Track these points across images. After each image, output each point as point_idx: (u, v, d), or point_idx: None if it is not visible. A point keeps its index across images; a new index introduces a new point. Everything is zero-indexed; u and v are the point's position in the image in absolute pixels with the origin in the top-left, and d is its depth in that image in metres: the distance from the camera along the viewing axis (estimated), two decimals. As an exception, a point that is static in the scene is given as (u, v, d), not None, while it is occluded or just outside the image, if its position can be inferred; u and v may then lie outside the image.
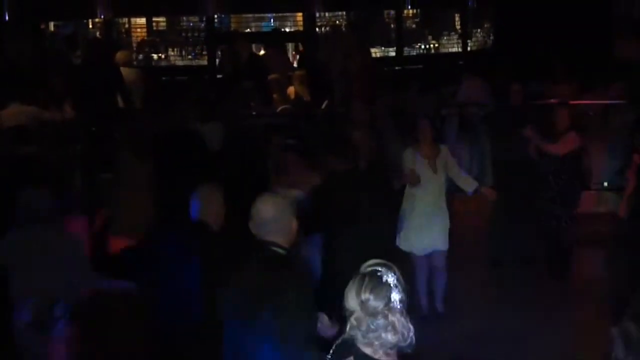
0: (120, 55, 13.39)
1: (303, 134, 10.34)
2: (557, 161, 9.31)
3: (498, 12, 18.89)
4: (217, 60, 16.24)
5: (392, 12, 18.08)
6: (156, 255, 5.70)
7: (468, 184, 8.69)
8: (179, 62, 17.15)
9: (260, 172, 8.88)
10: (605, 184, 11.50)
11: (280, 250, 4.73)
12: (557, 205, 9.39)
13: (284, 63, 14.91)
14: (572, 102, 11.65)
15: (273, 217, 4.74)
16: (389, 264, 3.59)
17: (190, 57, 17.20)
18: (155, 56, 17.02)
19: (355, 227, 7.50)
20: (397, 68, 17.38)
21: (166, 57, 17.22)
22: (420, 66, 17.59)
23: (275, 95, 12.71)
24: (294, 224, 4.82)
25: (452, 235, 8.74)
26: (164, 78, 16.31)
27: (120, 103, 12.05)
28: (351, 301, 3.53)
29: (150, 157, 9.18)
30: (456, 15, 18.82)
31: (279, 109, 12.24)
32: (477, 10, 18.90)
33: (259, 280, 4.63)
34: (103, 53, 12.92)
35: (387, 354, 3.53)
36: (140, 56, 16.77)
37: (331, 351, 3.70)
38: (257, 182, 8.25)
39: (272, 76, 13.03)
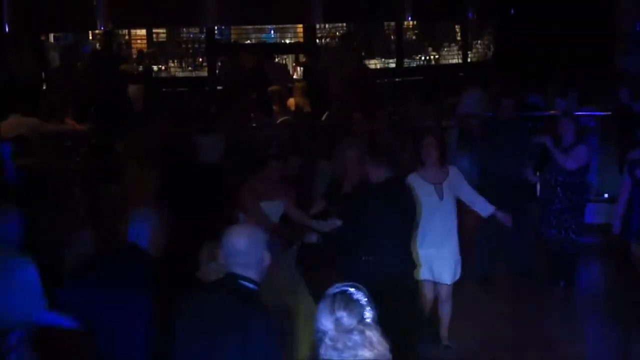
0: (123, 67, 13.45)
1: (301, 145, 10.30)
2: (564, 172, 9.30)
3: (498, 23, 18.96)
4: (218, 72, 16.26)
5: (393, 23, 18.11)
6: (91, 283, 5.36)
7: (483, 208, 7.96)
8: (179, 74, 17.18)
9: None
10: (606, 195, 11.49)
11: (251, 285, 4.38)
12: (567, 216, 9.38)
13: (284, 75, 14.92)
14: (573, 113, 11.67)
15: (245, 249, 4.37)
16: (357, 284, 3.57)
17: (190, 68, 17.23)
18: (155, 67, 17.04)
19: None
20: (397, 79, 17.41)
21: (166, 68, 17.25)
22: (421, 77, 17.62)
23: (275, 107, 12.71)
24: (267, 258, 4.44)
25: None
26: (164, 89, 16.34)
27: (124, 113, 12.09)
28: (325, 321, 3.48)
29: (157, 168, 9.16)
30: (456, 26, 18.86)
31: (279, 120, 12.24)
32: (477, 22, 18.93)
33: (224, 316, 4.27)
34: (108, 64, 12.96)
35: None
36: (141, 67, 16.78)
37: None
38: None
39: (272, 88, 13.04)
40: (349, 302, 3.49)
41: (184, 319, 4.43)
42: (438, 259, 7.75)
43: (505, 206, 8.13)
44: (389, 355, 3.46)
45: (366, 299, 3.53)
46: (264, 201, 7.49)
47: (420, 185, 7.67)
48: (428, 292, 7.91)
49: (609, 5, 17.65)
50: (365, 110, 11.51)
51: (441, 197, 7.68)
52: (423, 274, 7.75)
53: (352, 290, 3.54)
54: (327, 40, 17.15)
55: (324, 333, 3.49)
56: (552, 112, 12.37)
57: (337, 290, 3.55)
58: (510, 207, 8.34)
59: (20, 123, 11.23)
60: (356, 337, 3.44)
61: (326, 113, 12.69)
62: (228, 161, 10.02)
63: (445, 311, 7.98)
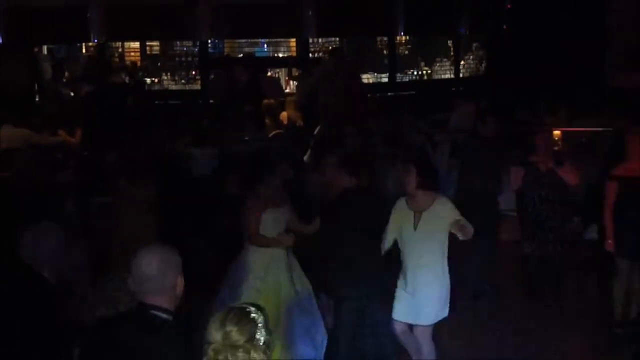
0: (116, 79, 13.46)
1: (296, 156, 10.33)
2: (548, 187, 9.31)
3: (490, 39, 19.03)
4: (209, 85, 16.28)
5: (385, 38, 18.17)
6: None
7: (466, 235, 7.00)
8: (172, 87, 17.20)
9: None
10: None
11: (164, 315, 3.99)
12: (552, 231, 9.40)
13: (277, 88, 14.95)
14: (563, 129, 11.69)
15: (156, 274, 3.98)
16: (261, 307, 3.56)
17: (183, 81, 17.26)
18: (148, 80, 17.06)
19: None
20: (389, 94, 17.46)
21: (159, 81, 17.27)
22: (413, 92, 17.68)
23: (267, 121, 12.74)
24: (180, 283, 4.08)
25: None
26: (157, 102, 16.36)
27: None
28: (214, 332, 3.47)
29: (148, 183, 9.15)
30: (448, 42, 18.93)
31: (272, 134, 12.26)
32: (469, 37, 19.01)
33: (133, 352, 3.89)
34: (101, 77, 12.99)
35: None
36: (134, 80, 16.77)
37: None
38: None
39: (265, 101, 13.07)
40: (242, 319, 3.47)
41: (89, 356, 4.09)
42: (411, 298, 7.04)
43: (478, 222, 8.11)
44: None
45: (263, 322, 3.49)
46: (271, 208, 7.54)
47: (401, 210, 7.09)
48: (400, 331, 7.21)
49: (601, 21, 17.74)
50: (357, 124, 11.55)
51: (415, 227, 6.95)
52: (395, 312, 7.13)
53: (252, 309, 3.52)
54: (320, 54, 17.17)
55: (210, 343, 3.46)
56: (542, 128, 12.41)
57: (237, 305, 3.58)
58: (483, 223, 8.31)
59: (13, 134, 11.24)
60: (240, 354, 3.41)
61: (318, 127, 12.71)
62: (231, 171, 10.01)
63: (426, 353, 7.12)
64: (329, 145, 9.40)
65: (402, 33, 18.05)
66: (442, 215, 6.95)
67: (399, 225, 7.06)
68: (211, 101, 15.28)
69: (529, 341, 8.50)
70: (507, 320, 9.05)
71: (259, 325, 3.48)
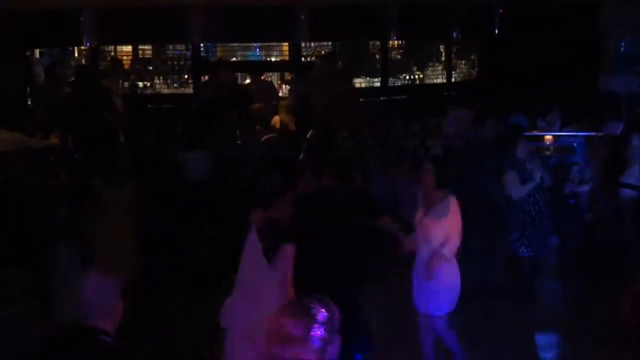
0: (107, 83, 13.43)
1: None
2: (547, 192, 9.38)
3: (482, 44, 19.07)
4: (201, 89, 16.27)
5: (378, 43, 18.19)
6: None
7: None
8: (165, 90, 17.18)
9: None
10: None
11: (106, 338, 3.94)
12: (527, 233, 9.43)
13: (271, 93, 14.95)
14: (556, 134, 11.77)
15: (97, 297, 3.92)
16: (329, 302, 3.49)
17: (175, 85, 17.25)
18: (140, 84, 17.04)
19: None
20: (382, 98, 17.48)
21: (152, 85, 17.26)
22: (405, 97, 17.70)
23: (258, 126, 12.73)
24: (120, 305, 4.02)
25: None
26: (149, 106, 16.34)
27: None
28: (269, 321, 3.51)
29: (130, 185, 9.13)
30: (441, 46, 18.96)
31: (264, 138, 12.26)
32: (461, 42, 19.04)
33: None
34: (94, 80, 12.95)
35: None
36: (126, 84, 16.78)
37: None
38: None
39: (254, 106, 13.07)
40: (299, 313, 3.44)
41: None
42: (421, 288, 7.45)
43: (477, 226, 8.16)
44: None
45: (325, 319, 3.42)
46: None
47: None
48: (421, 324, 7.61)
49: (593, 26, 17.79)
50: (349, 127, 11.59)
51: (420, 223, 7.44)
52: (415, 302, 7.58)
53: (315, 303, 3.46)
54: (313, 58, 17.19)
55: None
56: (535, 132, 12.47)
57: (303, 298, 3.53)
58: (484, 227, 8.36)
59: (6, 138, 11.22)
60: (290, 348, 3.35)
61: (311, 131, 12.73)
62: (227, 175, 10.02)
63: (448, 344, 7.58)
64: (323, 149, 9.41)
65: (394, 37, 18.08)
66: (444, 214, 7.34)
67: None
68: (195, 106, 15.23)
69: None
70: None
71: (317, 321, 3.41)
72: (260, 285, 6.72)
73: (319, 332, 3.39)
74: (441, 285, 7.34)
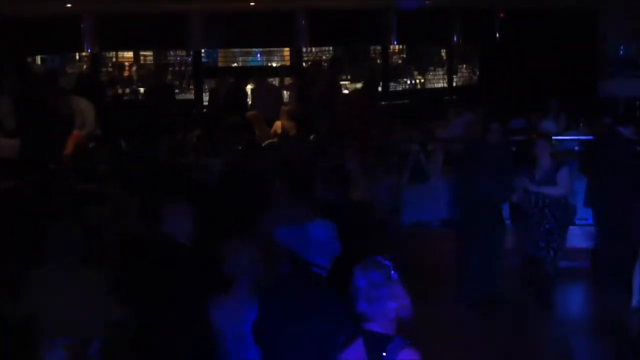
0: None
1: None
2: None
3: (483, 48, 19.09)
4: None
5: (379, 47, 18.21)
6: None
7: None
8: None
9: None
10: (589, 219, 11.53)
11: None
12: (555, 237, 9.43)
13: (272, 98, 14.93)
14: (558, 137, 11.75)
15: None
16: (385, 256, 4.40)
17: (177, 91, 17.25)
18: (141, 90, 17.06)
19: None
20: (382, 103, 17.47)
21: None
22: (406, 101, 17.70)
23: (257, 131, 12.70)
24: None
25: (422, 275, 8.54)
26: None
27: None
28: (360, 279, 4.25)
29: (140, 190, 9.12)
30: (442, 51, 18.97)
31: (264, 143, 12.23)
32: (462, 47, 19.06)
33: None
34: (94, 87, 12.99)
35: (390, 323, 4.24)
36: (127, 90, 16.81)
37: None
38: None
39: (249, 113, 13.06)
40: (379, 265, 4.32)
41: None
42: None
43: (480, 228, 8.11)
44: (409, 308, 4.24)
45: (391, 264, 4.33)
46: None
47: None
48: None
49: (592, 30, 17.80)
50: (352, 132, 11.56)
51: None
52: None
53: (380, 259, 4.36)
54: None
55: (358, 288, 4.26)
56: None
57: (369, 259, 4.37)
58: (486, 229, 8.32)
59: (4, 144, 11.25)
60: (384, 290, 4.23)
61: (312, 136, 12.72)
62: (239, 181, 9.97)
63: None
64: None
65: (395, 42, 18.09)
66: None
67: None
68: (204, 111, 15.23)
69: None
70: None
71: (390, 266, 4.32)
72: None
73: None
74: None
